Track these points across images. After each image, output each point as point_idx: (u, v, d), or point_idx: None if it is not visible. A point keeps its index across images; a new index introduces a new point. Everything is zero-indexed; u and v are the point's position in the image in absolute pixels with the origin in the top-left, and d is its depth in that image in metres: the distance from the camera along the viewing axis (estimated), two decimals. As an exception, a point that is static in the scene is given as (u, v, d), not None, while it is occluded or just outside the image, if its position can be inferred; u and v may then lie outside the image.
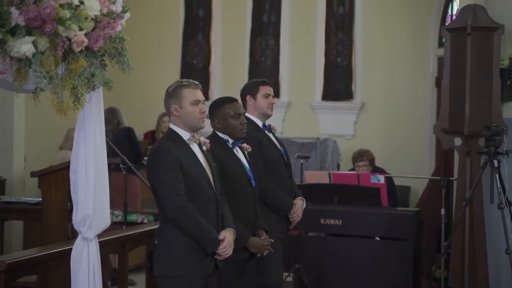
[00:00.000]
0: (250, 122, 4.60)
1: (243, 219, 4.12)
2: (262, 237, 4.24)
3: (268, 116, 4.75)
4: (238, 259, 4.05)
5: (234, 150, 4.26)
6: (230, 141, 4.26)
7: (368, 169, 6.94)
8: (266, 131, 4.74)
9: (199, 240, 3.73)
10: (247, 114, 4.66)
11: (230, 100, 4.32)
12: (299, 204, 4.74)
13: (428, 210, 7.13)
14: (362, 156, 6.91)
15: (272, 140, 4.74)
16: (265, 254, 4.22)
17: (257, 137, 4.57)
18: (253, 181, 4.28)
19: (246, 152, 4.34)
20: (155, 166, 3.76)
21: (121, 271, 4.74)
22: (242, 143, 4.33)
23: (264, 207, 4.46)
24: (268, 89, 4.75)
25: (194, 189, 3.75)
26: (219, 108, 4.25)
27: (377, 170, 7.09)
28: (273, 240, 4.28)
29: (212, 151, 4.01)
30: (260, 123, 4.72)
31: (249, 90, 4.75)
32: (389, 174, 6.92)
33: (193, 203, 3.72)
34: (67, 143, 7.62)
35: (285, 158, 4.77)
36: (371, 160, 6.95)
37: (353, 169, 7.00)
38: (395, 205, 6.75)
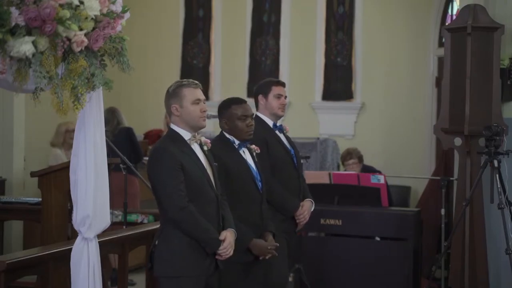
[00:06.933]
0: (261, 121, 4.63)
1: (247, 221, 4.08)
2: (268, 240, 4.17)
3: (279, 117, 4.77)
4: (241, 261, 4.01)
5: (241, 151, 4.23)
6: (236, 142, 4.23)
7: (358, 167, 7.04)
8: (277, 131, 4.74)
9: (200, 241, 3.73)
10: (258, 113, 4.68)
11: (237, 101, 4.28)
12: (307, 206, 4.75)
13: (428, 210, 7.13)
14: (351, 154, 7.01)
15: (282, 141, 4.73)
16: (267, 257, 4.14)
17: (265, 136, 4.56)
18: (260, 183, 4.24)
19: (254, 154, 4.31)
20: (155, 166, 3.76)
21: (121, 271, 4.74)
22: (251, 144, 4.30)
23: (270, 207, 4.43)
24: (281, 90, 4.77)
25: (195, 190, 3.75)
26: (226, 109, 4.23)
27: (367, 168, 7.13)
28: (278, 244, 4.21)
29: (217, 151, 4.00)
30: (270, 123, 4.73)
31: (261, 89, 4.78)
32: (379, 172, 6.94)
33: (194, 203, 3.72)
34: (57, 138, 7.58)
35: (295, 160, 4.75)
36: (360, 157, 7.05)
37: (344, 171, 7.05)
38: (391, 204, 6.75)
